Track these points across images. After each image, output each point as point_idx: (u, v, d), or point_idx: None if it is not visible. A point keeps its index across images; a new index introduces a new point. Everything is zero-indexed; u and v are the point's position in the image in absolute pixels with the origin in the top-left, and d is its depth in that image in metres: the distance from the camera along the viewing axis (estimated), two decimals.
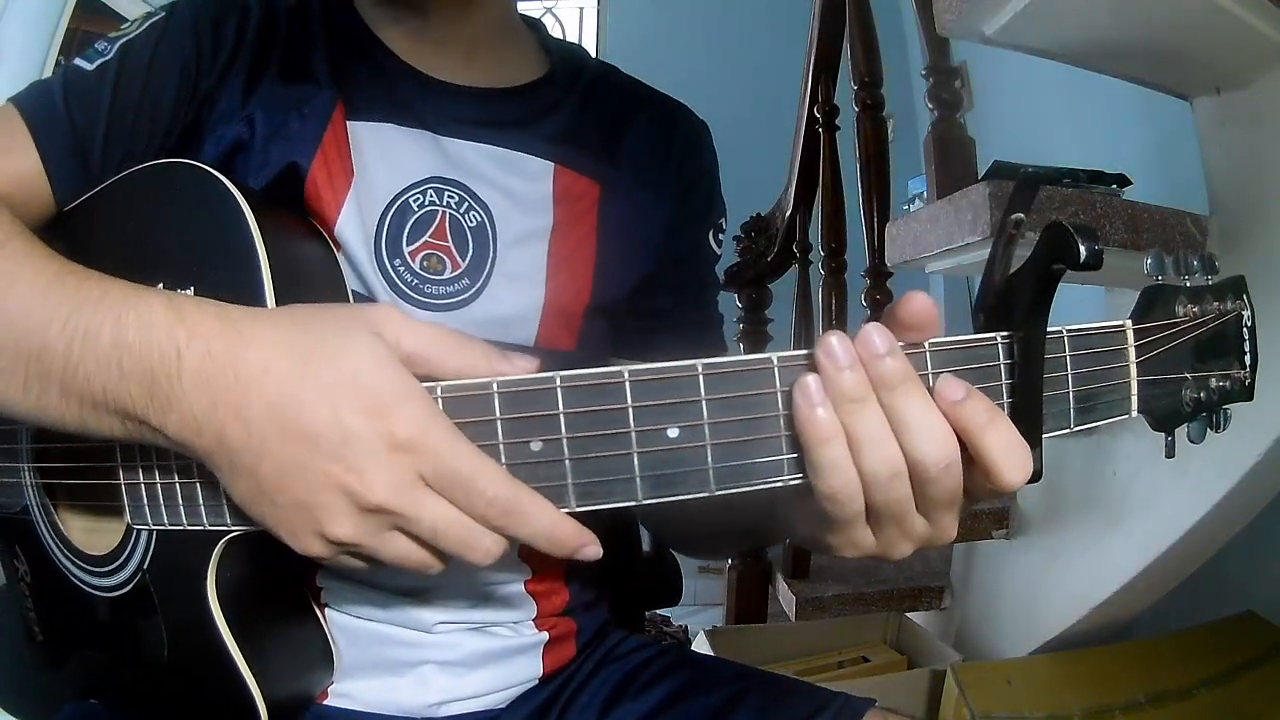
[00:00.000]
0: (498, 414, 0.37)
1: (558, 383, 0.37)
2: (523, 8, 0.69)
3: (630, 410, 0.37)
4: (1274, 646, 1.16)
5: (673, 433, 0.37)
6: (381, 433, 0.36)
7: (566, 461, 0.37)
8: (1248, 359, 0.42)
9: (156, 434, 0.39)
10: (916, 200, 2.28)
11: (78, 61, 0.56)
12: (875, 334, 0.35)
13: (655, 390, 0.37)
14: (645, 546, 0.87)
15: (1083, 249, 0.34)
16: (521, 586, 0.63)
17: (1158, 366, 0.40)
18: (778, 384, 0.37)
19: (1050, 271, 0.36)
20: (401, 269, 0.57)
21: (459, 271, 0.58)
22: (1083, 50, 1.04)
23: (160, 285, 0.47)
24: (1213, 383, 0.41)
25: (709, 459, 0.37)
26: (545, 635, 0.64)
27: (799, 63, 1.83)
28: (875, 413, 0.35)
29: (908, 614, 1.56)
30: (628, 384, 0.37)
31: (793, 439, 0.36)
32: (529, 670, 0.64)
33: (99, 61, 0.55)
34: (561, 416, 0.37)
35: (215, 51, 0.57)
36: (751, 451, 0.37)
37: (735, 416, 0.37)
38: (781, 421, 0.37)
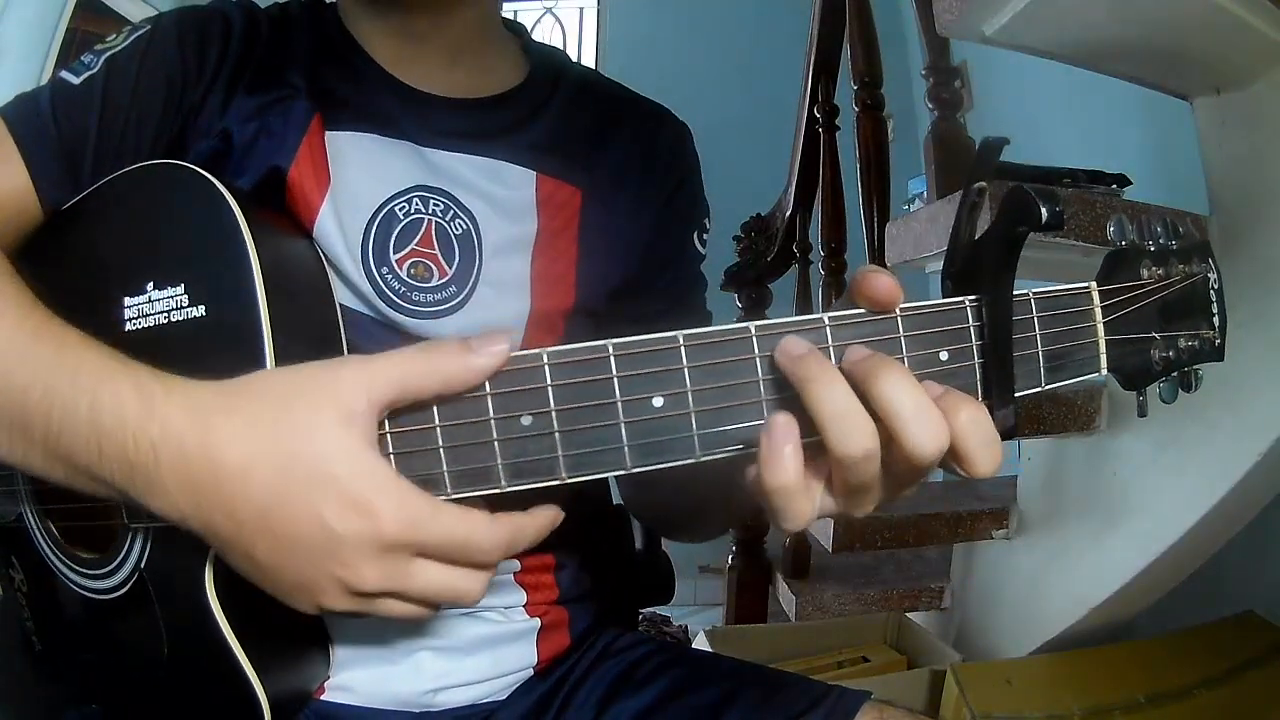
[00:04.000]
0: (488, 390, 0.38)
1: (545, 359, 0.38)
2: (522, 8, 0.69)
3: (616, 381, 0.38)
4: (1274, 646, 1.16)
5: (657, 402, 0.38)
6: (369, 532, 0.37)
7: (556, 434, 0.38)
8: (1216, 320, 0.43)
9: (141, 509, 0.40)
10: (916, 200, 2.28)
11: (64, 74, 0.56)
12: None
13: (639, 361, 0.38)
14: (638, 545, 0.88)
15: (1044, 210, 0.36)
16: (510, 577, 0.64)
17: (1125, 326, 0.42)
18: (755, 351, 0.38)
19: (1014, 234, 0.37)
20: (389, 277, 0.57)
21: (446, 279, 0.58)
22: (1083, 50, 1.04)
23: (150, 284, 0.48)
24: (1182, 343, 0.42)
25: (694, 425, 0.38)
26: (537, 622, 0.65)
27: (799, 63, 1.82)
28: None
29: (908, 614, 1.56)
30: (612, 357, 0.38)
31: (773, 403, 0.38)
32: (524, 658, 0.64)
33: (85, 75, 0.56)
34: (550, 390, 0.38)
35: (200, 64, 0.58)
36: (734, 417, 0.38)
37: (716, 384, 0.38)
38: (761, 387, 0.38)
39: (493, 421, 0.38)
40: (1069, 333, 0.41)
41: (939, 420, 0.35)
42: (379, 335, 0.58)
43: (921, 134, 1.61)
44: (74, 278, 0.54)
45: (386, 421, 0.39)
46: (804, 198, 1.79)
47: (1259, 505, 1.09)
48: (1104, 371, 0.42)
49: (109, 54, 0.56)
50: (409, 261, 0.58)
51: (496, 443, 0.39)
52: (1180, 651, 1.19)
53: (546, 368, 0.38)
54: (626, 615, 0.80)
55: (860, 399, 0.36)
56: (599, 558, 0.70)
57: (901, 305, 0.38)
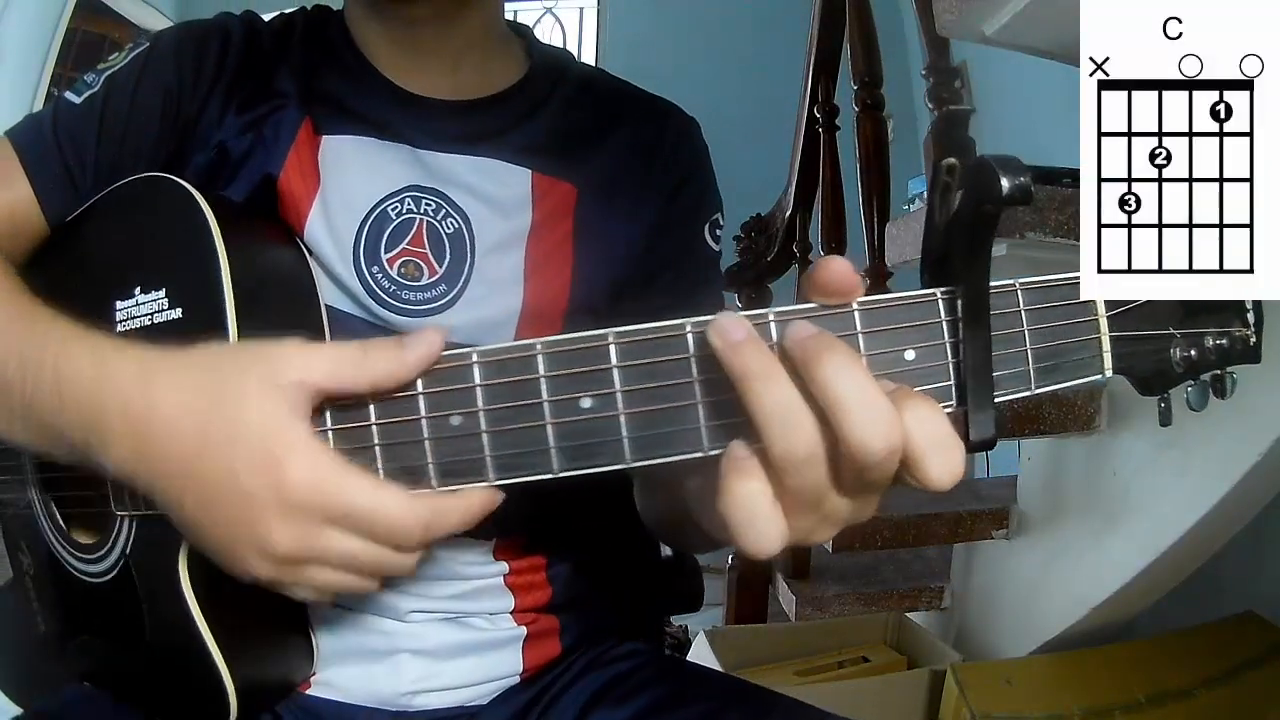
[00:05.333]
0: (420, 389, 0.38)
1: (474, 357, 0.37)
2: (522, 8, 0.69)
3: (543, 381, 0.37)
4: (1274, 646, 1.16)
5: (586, 403, 0.36)
6: (275, 489, 0.38)
7: (484, 435, 0.37)
8: (1250, 316, 0.37)
9: (102, 468, 0.43)
10: (916, 200, 2.28)
11: (68, 94, 0.59)
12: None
13: (566, 361, 0.36)
14: (665, 550, 0.83)
15: (1005, 182, 0.31)
16: (500, 580, 0.62)
17: (1135, 322, 0.36)
18: (691, 350, 0.35)
19: (982, 214, 0.33)
20: (380, 276, 0.58)
21: (436, 278, 0.59)
22: None
23: (138, 288, 0.51)
24: (1208, 342, 0.37)
25: (623, 429, 0.36)
26: (523, 630, 0.63)
27: (799, 63, 1.83)
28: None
29: (908, 614, 1.56)
30: (539, 356, 0.37)
31: (710, 405, 0.35)
32: (508, 665, 0.63)
33: (86, 94, 0.58)
34: (478, 390, 0.37)
35: (196, 76, 0.59)
36: (667, 420, 0.36)
37: (649, 384, 0.36)
38: (697, 388, 0.35)
39: (424, 421, 0.38)
40: (1065, 328, 0.36)
41: (889, 412, 0.31)
42: (369, 336, 0.57)
43: (921, 134, 1.60)
44: (74, 282, 0.57)
45: (329, 418, 0.39)
46: (804, 198, 1.79)
47: (1259, 505, 1.09)
48: (1108, 373, 0.37)
49: (109, 73, 0.59)
50: (399, 261, 0.58)
51: (428, 442, 0.38)
52: (1180, 651, 1.19)
53: (475, 367, 0.37)
54: (642, 623, 0.75)
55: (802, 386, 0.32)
56: (599, 560, 0.67)
57: (859, 300, 0.35)
